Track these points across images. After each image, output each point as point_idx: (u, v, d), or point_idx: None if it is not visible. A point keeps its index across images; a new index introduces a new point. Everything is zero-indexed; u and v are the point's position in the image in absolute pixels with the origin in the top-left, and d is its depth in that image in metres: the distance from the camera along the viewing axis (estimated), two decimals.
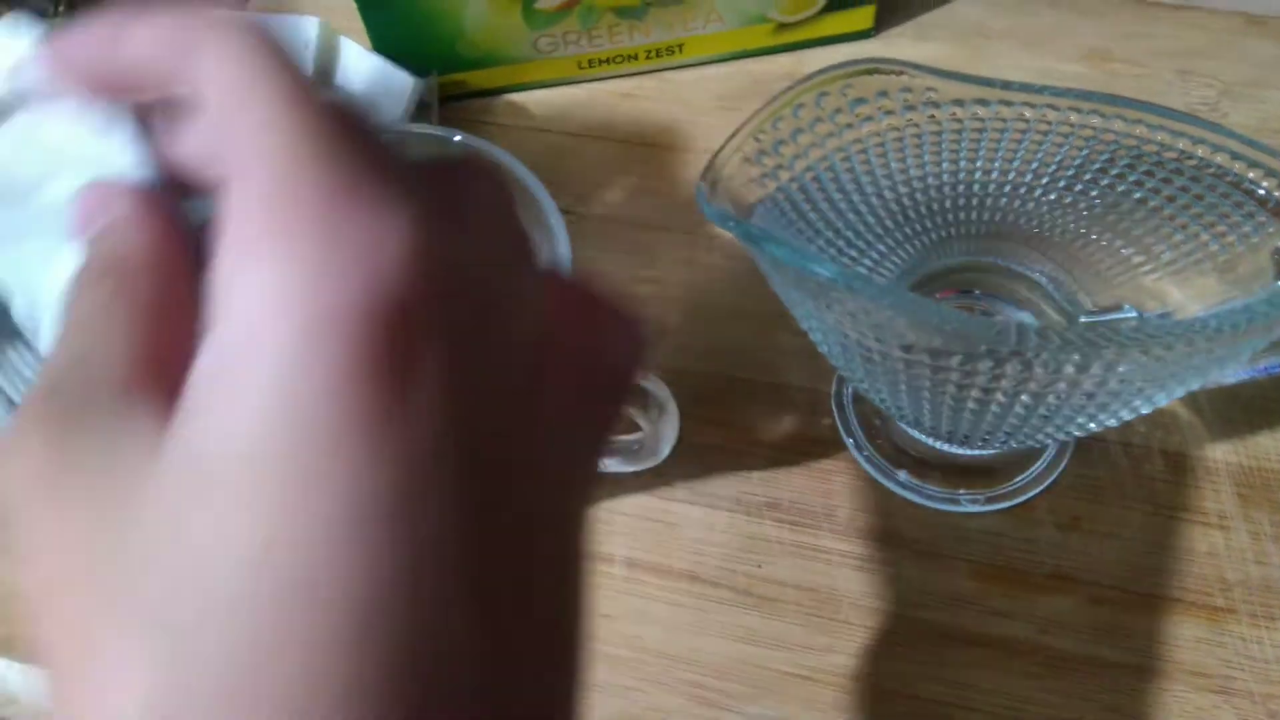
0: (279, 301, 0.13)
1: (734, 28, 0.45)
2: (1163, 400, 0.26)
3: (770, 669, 0.33)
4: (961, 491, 0.35)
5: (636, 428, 0.32)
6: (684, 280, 0.41)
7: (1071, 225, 0.32)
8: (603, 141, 0.46)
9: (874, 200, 0.32)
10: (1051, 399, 0.26)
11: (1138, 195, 0.31)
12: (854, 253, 0.33)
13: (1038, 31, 0.47)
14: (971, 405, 0.28)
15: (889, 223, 0.33)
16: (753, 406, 0.38)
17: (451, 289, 0.14)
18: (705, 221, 0.42)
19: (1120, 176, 0.31)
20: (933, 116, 0.31)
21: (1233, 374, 0.28)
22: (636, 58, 0.46)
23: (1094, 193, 0.31)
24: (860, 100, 0.30)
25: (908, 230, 0.33)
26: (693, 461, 0.37)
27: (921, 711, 0.32)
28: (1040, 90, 0.30)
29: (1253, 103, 0.44)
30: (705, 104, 0.47)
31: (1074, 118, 0.30)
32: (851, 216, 0.32)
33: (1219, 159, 0.27)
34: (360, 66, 0.43)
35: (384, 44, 0.44)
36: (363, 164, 0.14)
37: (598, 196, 0.44)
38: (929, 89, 0.30)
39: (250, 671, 0.12)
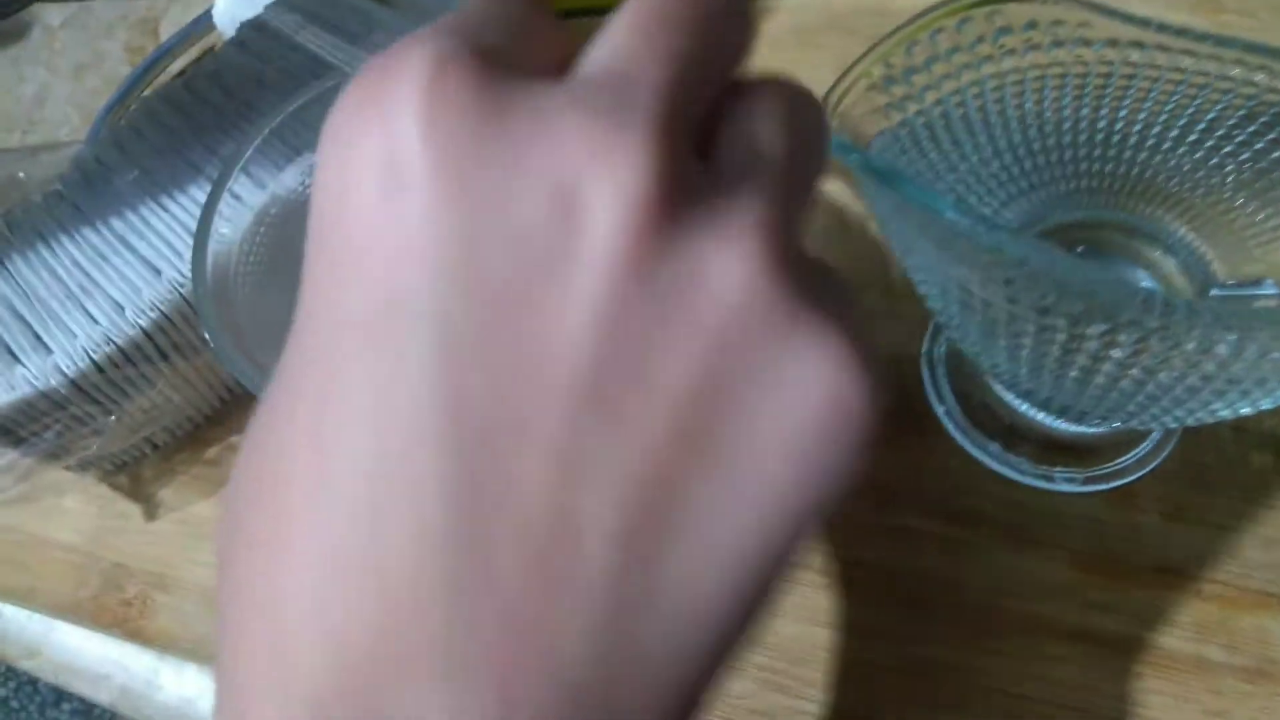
0: None
1: None
2: None
3: (847, 656, 0.31)
4: (1058, 469, 0.33)
5: None
6: None
7: (1216, 187, 0.29)
8: None
9: (1003, 143, 0.29)
10: (1164, 377, 0.23)
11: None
12: (973, 199, 0.30)
13: None
14: (1075, 373, 0.25)
15: (1015, 169, 0.30)
16: None
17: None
18: None
19: (1276, 140, 0.28)
20: (1080, 56, 0.28)
21: None
22: None
23: (1245, 155, 0.28)
24: (1005, 30, 0.27)
25: (1035, 178, 0.30)
26: None
27: (1014, 709, 0.30)
28: (1203, 38, 0.26)
29: None
30: (783, 38, 0.43)
31: (1235, 72, 0.27)
32: (975, 160, 0.29)
33: None
34: None
35: None
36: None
37: None
38: (1082, 24, 0.27)
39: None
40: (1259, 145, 0.28)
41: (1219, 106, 0.28)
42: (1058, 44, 0.28)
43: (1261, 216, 0.29)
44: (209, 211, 0.28)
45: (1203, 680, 0.30)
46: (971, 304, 0.25)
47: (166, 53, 0.46)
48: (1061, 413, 0.29)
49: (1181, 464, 0.33)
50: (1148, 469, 0.33)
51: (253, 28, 0.37)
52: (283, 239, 0.30)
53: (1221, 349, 0.21)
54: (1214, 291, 0.30)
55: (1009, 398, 0.33)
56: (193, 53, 0.47)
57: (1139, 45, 0.27)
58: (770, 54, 0.42)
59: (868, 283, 0.37)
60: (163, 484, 0.34)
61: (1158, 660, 0.30)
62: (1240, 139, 0.28)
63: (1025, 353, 0.25)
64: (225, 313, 0.27)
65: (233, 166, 0.29)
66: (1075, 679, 0.30)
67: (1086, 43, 0.27)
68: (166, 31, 0.49)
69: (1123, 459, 0.33)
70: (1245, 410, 0.25)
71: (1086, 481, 0.33)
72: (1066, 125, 0.29)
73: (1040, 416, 0.33)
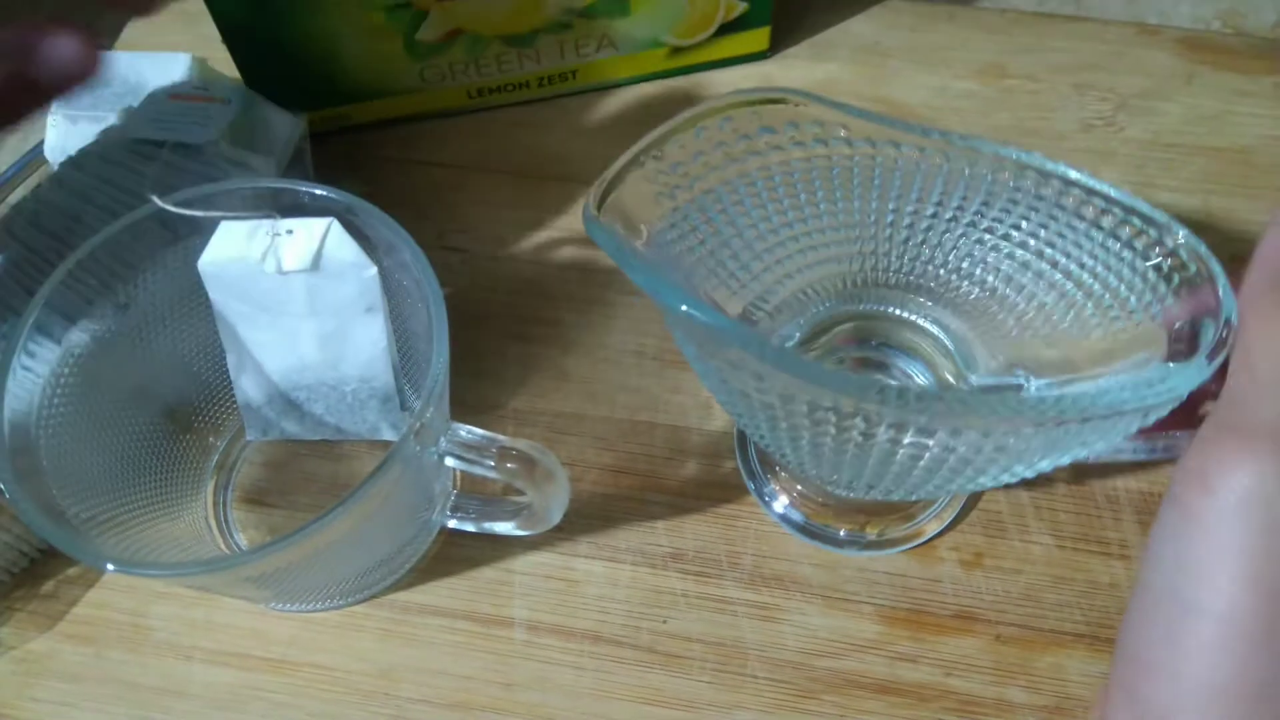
0: None
1: (627, 54, 0.44)
2: (1046, 467, 0.25)
3: None
4: (869, 533, 0.35)
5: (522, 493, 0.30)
6: (580, 321, 0.40)
7: (979, 279, 0.31)
8: (495, 174, 0.44)
9: (780, 233, 0.31)
10: (927, 457, 0.25)
11: (1035, 250, 0.30)
12: (758, 286, 0.32)
13: (933, 48, 0.47)
14: (850, 455, 0.27)
15: (792, 261, 0.32)
16: (654, 451, 0.37)
17: None
18: (603, 257, 0.41)
19: (1018, 228, 0.30)
20: (845, 153, 0.30)
21: (1109, 450, 0.27)
22: (529, 85, 0.45)
23: (998, 246, 0.31)
24: (768, 129, 0.29)
25: (813, 272, 0.32)
26: (594, 513, 0.36)
27: None
28: (954, 137, 0.29)
29: (1148, 115, 0.44)
30: (602, 132, 0.45)
31: (986, 168, 0.29)
32: (757, 246, 0.31)
33: (1105, 221, 0.27)
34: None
35: (256, 79, 0.42)
36: None
37: (489, 232, 0.42)
38: (841, 125, 0.29)
39: None
40: (1002, 233, 0.30)
41: (974, 198, 0.30)
42: (820, 141, 0.30)
43: (1018, 304, 0.31)
44: (6, 358, 0.28)
45: None
46: (749, 404, 0.27)
47: (4, 184, 0.47)
48: (849, 488, 0.31)
49: (978, 512, 0.35)
50: (944, 525, 0.35)
51: (72, 164, 0.38)
52: (95, 380, 0.31)
53: (971, 434, 0.23)
54: (971, 380, 0.32)
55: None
56: (32, 182, 0.48)
57: (895, 144, 0.29)
58: (591, 147, 0.44)
59: (686, 365, 0.39)
60: (0, 623, 0.34)
61: (963, 707, 0.32)
62: (989, 229, 0.30)
63: (781, 429, 0.27)
64: (24, 462, 0.28)
65: (34, 307, 0.30)
66: None
67: (848, 142, 0.30)
68: (3, 162, 0.49)
69: (921, 517, 0.35)
70: (1007, 479, 0.26)
71: (887, 545, 0.35)
72: (841, 216, 0.31)
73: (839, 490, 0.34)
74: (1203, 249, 0.25)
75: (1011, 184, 0.29)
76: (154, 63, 0.42)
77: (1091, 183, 0.27)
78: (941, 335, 0.33)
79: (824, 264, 0.33)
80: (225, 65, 0.42)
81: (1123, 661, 0.23)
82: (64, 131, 0.43)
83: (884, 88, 0.46)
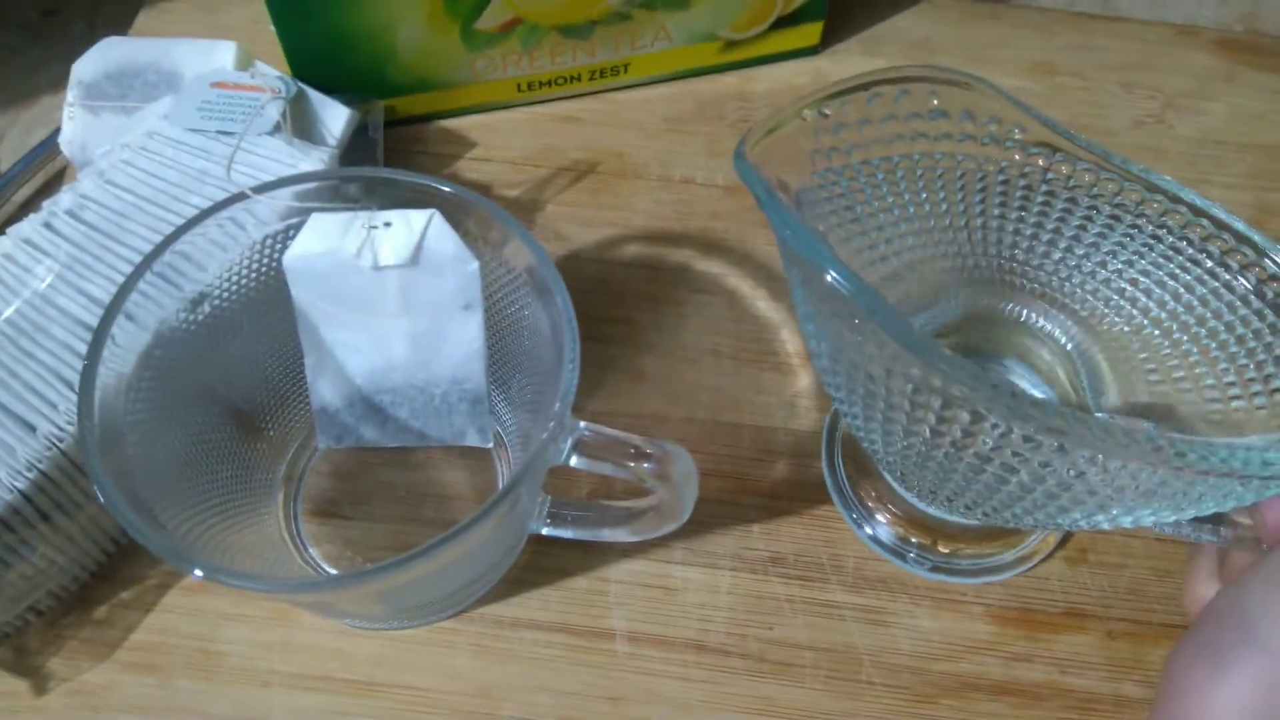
0: None
1: (681, 45, 0.43)
2: (1129, 522, 0.25)
3: None
4: (921, 553, 0.34)
5: (648, 493, 0.29)
6: (653, 320, 0.38)
7: (1118, 305, 0.30)
8: (549, 169, 0.42)
9: (926, 220, 0.30)
10: (1023, 476, 0.24)
11: (1174, 293, 0.29)
12: (883, 268, 0.30)
13: (982, 45, 0.47)
14: (940, 458, 0.26)
15: (925, 250, 0.31)
16: (741, 453, 0.36)
17: None
18: (669, 254, 0.40)
19: (1160, 268, 0.29)
20: (1014, 159, 0.29)
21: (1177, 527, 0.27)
22: (579, 79, 0.43)
23: (1154, 290, 0.30)
24: (942, 113, 0.28)
25: (944, 263, 0.31)
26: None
27: None
28: (1127, 165, 0.28)
29: (1195, 114, 0.45)
30: (653, 126, 0.44)
31: (1156, 208, 0.28)
32: (901, 228, 0.30)
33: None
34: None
35: (304, 68, 0.39)
36: None
37: (549, 229, 0.41)
38: (1018, 125, 0.28)
39: None
40: (1173, 277, 0.29)
41: (1139, 234, 0.29)
42: (994, 139, 0.29)
43: (1166, 351, 0.30)
44: (93, 358, 0.26)
45: (1124, 717, 0.31)
46: (855, 374, 0.25)
47: (11, 181, 0.44)
48: (932, 499, 0.30)
49: None
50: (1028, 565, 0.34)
51: (115, 159, 0.35)
52: (169, 381, 0.29)
53: (1082, 461, 0.22)
54: (1095, 412, 0.31)
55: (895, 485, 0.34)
56: (38, 180, 0.45)
57: (1068, 157, 0.28)
58: (645, 142, 0.43)
59: (766, 362, 0.37)
60: (50, 653, 0.31)
61: (1081, 705, 0.32)
62: (1156, 269, 0.29)
63: (899, 430, 0.26)
64: (114, 463, 0.25)
65: (115, 308, 0.27)
66: None
67: (1024, 146, 0.28)
68: (6, 158, 0.46)
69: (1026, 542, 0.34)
70: (1104, 524, 0.26)
71: (978, 574, 0.33)
72: (994, 220, 0.30)
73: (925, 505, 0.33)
74: None
75: (1169, 223, 0.29)
76: (192, 50, 0.39)
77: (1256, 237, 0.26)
78: (1072, 351, 0.32)
79: (956, 258, 0.32)
80: (255, 54, 0.40)
81: (1170, 679, 0.24)
82: (84, 124, 0.40)
83: None
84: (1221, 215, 0.27)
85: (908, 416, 0.25)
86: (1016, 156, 0.29)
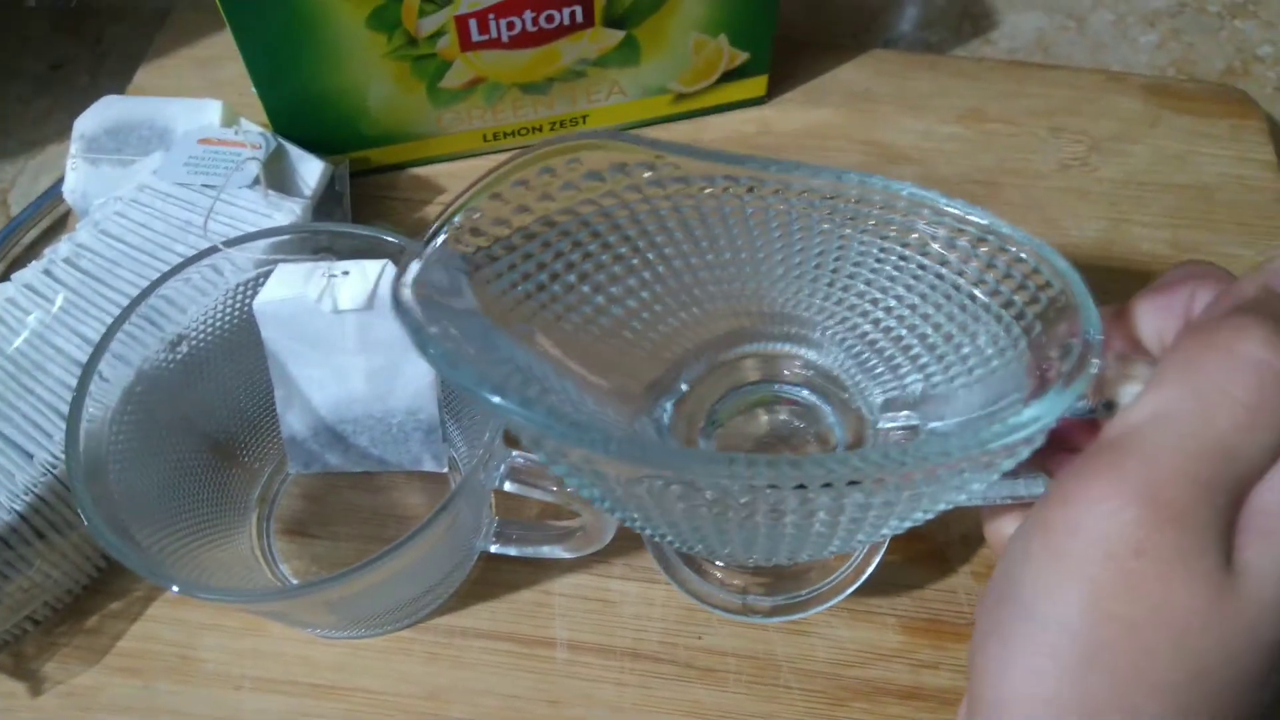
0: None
1: (635, 99, 0.47)
2: (922, 517, 0.26)
3: None
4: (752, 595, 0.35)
5: (574, 515, 0.32)
6: None
7: (854, 317, 0.31)
8: None
9: (644, 276, 0.30)
10: (822, 518, 0.24)
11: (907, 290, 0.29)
12: (636, 324, 0.30)
13: (918, 94, 0.50)
14: (737, 530, 0.25)
15: (660, 304, 0.31)
16: None
17: None
18: None
19: (878, 271, 0.29)
20: (683, 191, 0.28)
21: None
22: (540, 129, 0.47)
23: (865, 285, 0.30)
24: (595, 174, 0.28)
25: (688, 315, 0.31)
26: (627, 534, 0.37)
27: None
28: (794, 168, 0.27)
29: (1119, 156, 0.48)
30: None
31: (826, 204, 0.28)
32: (614, 290, 0.30)
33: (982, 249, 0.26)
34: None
35: (284, 124, 0.43)
36: None
37: None
38: (673, 164, 0.28)
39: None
40: (865, 277, 0.30)
41: (825, 233, 0.29)
42: (656, 183, 0.28)
43: (903, 340, 0.30)
44: (80, 394, 0.30)
45: None
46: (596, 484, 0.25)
47: (21, 224, 0.48)
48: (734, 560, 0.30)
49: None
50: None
51: (108, 210, 0.39)
52: (150, 414, 0.32)
53: (856, 497, 0.23)
54: (878, 424, 0.31)
55: None
56: (44, 223, 0.48)
57: (733, 179, 0.28)
58: None
59: None
60: (46, 658, 0.35)
61: None
62: (855, 269, 0.30)
63: (679, 519, 0.25)
64: (98, 490, 0.29)
65: (101, 349, 0.31)
66: None
67: (684, 180, 0.28)
68: (16, 202, 0.50)
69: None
70: (907, 526, 0.26)
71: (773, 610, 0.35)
72: (705, 257, 0.30)
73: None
74: (1061, 264, 0.24)
75: (863, 214, 0.28)
76: (182, 109, 0.43)
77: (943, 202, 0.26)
78: (830, 364, 0.32)
79: (689, 307, 0.32)
80: (243, 111, 0.43)
81: (971, 655, 0.25)
82: (85, 174, 0.44)
83: (875, 131, 0.49)
84: (899, 190, 0.27)
85: (669, 510, 0.24)
86: (684, 189, 0.28)
